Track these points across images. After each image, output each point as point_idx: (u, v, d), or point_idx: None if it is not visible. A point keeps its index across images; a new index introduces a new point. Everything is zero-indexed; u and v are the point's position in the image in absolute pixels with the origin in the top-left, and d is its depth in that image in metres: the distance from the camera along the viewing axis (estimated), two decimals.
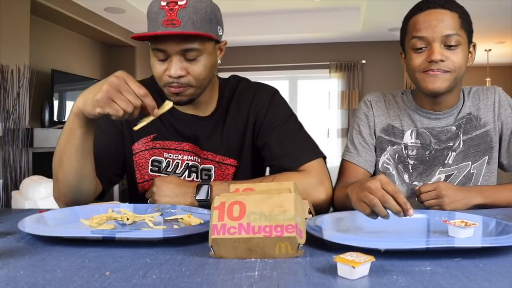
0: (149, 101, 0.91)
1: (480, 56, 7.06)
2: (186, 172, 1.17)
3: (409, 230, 0.82)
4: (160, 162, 1.18)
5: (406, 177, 1.25)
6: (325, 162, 1.16)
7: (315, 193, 1.07)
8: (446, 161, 1.23)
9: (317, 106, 7.16)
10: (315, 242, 0.71)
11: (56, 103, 4.68)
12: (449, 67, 1.11)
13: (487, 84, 6.64)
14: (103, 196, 1.18)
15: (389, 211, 0.77)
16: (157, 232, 0.74)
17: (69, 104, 4.93)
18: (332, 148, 6.69)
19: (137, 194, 1.21)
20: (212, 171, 1.17)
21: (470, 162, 1.22)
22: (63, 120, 4.73)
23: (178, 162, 1.17)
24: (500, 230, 0.75)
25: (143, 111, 0.93)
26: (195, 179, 1.17)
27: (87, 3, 4.76)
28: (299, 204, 0.68)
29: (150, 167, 1.18)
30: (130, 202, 1.01)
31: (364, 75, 6.90)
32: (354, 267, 0.55)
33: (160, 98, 1.19)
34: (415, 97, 1.27)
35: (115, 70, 0.93)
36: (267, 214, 0.65)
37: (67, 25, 4.97)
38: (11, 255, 0.67)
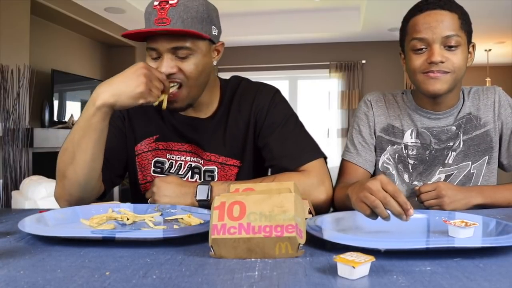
0: (167, 84, 1.01)
1: (480, 56, 7.06)
2: (189, 173, 1.17)
3: (409, 230, 0.82)
4: (163, 163, 1.18)
5: (406, 177, 1.25)
6: (326, 162, 1.16)
7: (316, 193, 1.07)
8: (446, 161, 1.23)
9: (317, 106, 7.16)
10: (315, 242, 0.71)
11: (56, 103, 4.68)
12: (449, 68, 1.11)
13: (487, 84, 6.64)
14: (104, 196, 1.18)
15: (389, 213, 0.77)
16: (157, 232, 0.74)
17: (69, 104, 4.93)
18: (332, 148, 6.68)
19: (139, 195, 1.21)
20: (215, 172, 1.16)
21: (470, 162, 1.22)
22: (63, 120, 4.73)
23: (181, 163, 1.17)
24: (500, 230, 0.75)
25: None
26: (198, 180, 1.17)
27: (87, 3, 4.76)
28: (299, 204, 0.68)
29: (152, 168, 1.18)
30: (132, 203, 1.01)
31: (364, 75, 6.90)
32: (354, 267, 0.55)
33: None
34: (415, 97, 1.27)
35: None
36: (267, 214, 0.65)
37: (67, 25, 4.97)
38: (11, 255, 0.67)
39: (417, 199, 1.12)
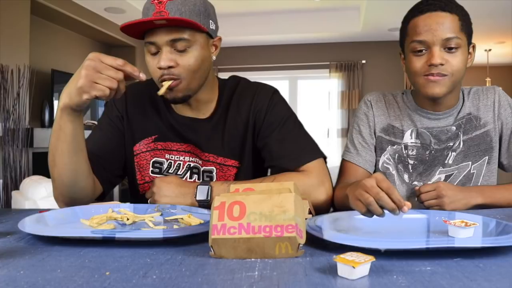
0: (130, 68, 0.91)
1: (480, 56, 7.07)
2: (188, 173, 1.17)
3: (409, 230, 0.82)
4: (161, 163, 1.18)
5: (406, 177, 1.25)
6: (326, 162, 1.16)
7: (316, 193, 1.07)
8: (446, 161, 1.23)
9: (317, 106, 7.16)
10: (315, 242, 0.71)
11: (56, 103, 4.67)
12: (448, 71, 1.11)
13: (487, 84, 6.64)
14: (104, 197, 1.18)
15: (385, 210, 0.77)
16: (157, 232, 0.74)
17: None
18: (332, 148, 6.69)
19: (137, 195, 1.21)
20: (214, 173, 1.16)
21: (470, 162, 1.22)
22: None
23: (179, 164, 1.17)
24: (500, 230, 0.75)
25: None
26: (196, 180, 1.17)
27: (87, 3, 4.76)
28: (299, 204, 0.68)
29: (151, 168, 1.18)
30: (131, 203, 1.01)
31: (364, 75, 6.90)
32: (354, 267, 0.55)
33: (161, 99, 1.20)
34: (415, 97, 1.27)
35: None
36: (267, 214, 0.65)
37: (67, 25, 4.97)
38: (11, 255, 0.67)
39: (417, 199, 1.12)
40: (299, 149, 1.13)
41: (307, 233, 0.70)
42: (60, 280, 0.56)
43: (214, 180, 1.16)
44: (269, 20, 6.01)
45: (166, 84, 1.03)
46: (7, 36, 3.76)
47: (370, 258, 0.57)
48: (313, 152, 1.14)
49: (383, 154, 1.28)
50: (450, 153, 1.23)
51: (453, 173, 1.23)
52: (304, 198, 0.89)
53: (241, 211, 0.65)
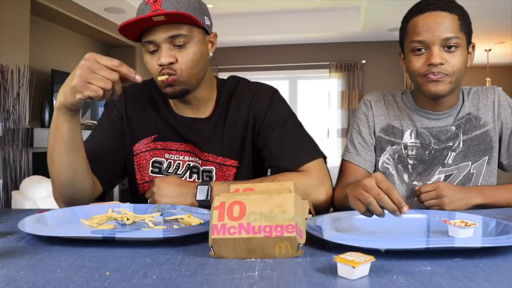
0: (125, 69, 0.91)
1: (480, 56, 7.07)
2: (188, 173, 1.17)
3: (409, 230, 0.82)
4: (161, 163, 1.18)
5: (405, 177, 1.25)
6: (325, 162, 1.16)
7: (316, 193, 1.07)
8: (445, 161, 1.23)
9: (317, 106, 7.16)
10: (315, 242, 0.71)
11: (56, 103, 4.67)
12: (448, 71, 1.11)
13: (487, 84, 6.63)
14: (104, 197, 1.18)
15: (384, 210, 0.77)
16: (157, 232, 0.74)
17: None
18: (332, 148, 6.69)
19: (137, 195, 1.21)
20: (213, 173, 1.16)
21: (470, 162, 1.22)
22: None
23: (179, 163, 1.17)
24: (500, 230, 0.75)
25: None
26: (196, 180, 1.17)
27: (87, 3, 4.77)
28: (299, 204, 0.68)
29: (150, 168, 1.18)
30: (131, 203, 1.01)
31: (364, 75, 6.90)
32: (354, 267, 0.55)
33: (161, 99, 1.20)
34: (415, 97, 1.27)
35: None
36: (267, 214, 0.65)
37: (67, 25, 4.97)
38: (11, 255, 0.67)
39: (417, 199, 1.12)
40: (299, 149, 1.13)
41: (307, 233, 0.70)
42: (60, 280, 0.56)
43: (214, 179, 1.16)
44: (269, 20, 6.01)
45: (162, 78, 1.04)
46: (7, 36, 3.76)
47: (370, 258, 0.57)
48: (313, 152, 1.14)
49: (382, 154, 1.28)
50: (449, 153, 1.23)
51: (452, 173, 1.23)
52: (304, 198, 0.89)
53: (241, 211, 0.65)
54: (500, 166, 1.27)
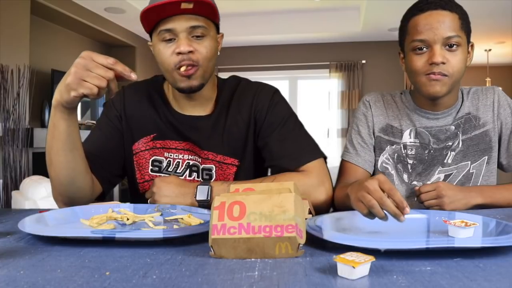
0: (121, 67, 0.90)
1: (480, 56, 7.07)
2: (187, 172, 1.17)
3: (409, 230, 0.82)
4: (160, 162, 1.18)
5: (405, 176, 1.25)
6: (326, 162, 1.16)
7: (316, 193, 1.07)
8: (445, 161, 1.23)
9: (317, 106, 7.16)
10: (315, 242, 0.71)
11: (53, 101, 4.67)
12: (448, 71, 1.11)
13: (487, 84, 6.64)
14: (103, 197, 1.18)
15: (387, 213, 0.77)
16: (157, 232, 0.74)
17: None
18: (332, 148, 6.69)
19: (137, 194, 1.21)
20: (213, 171, 1.17)
21: (469, 162, 1.22)
22: None
23: (178, 162, 1.17)
24: (500, 230, 0.75)
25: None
26: (196, 179, 1.17)
27: (87, 3, 4.76)
28: (299, 204, 0.68)
29: (150, 167, 1.18)
30: (131, 203, 1.01)
31: (364, 75, 6.90)
32: (354, 267, 0.55)
33: (160, 98, 1.20)
34: (414, 97, 1.27)
35: None
36: (267, 214, 0.65)
37: (67, 25, 4.97)
38: (11, 255, 0.67)
39: (417, 199, 1.12)
40: (299, 149, 1.13)
41: (307, 233, 0.70)
42: (60, 280, 0.56)
43: (214, 178, 1.16)
44: (269, 20, 6.01)
45: (183, 68, 1.04)
46: (7, 36, 3.76)
47: (370, 258, 0.57)
48: (314, 152, 1.14)
49: (382, 154, 1.28)
50: (449, 153, 1.23)
51: (452, 173, 1.23)
52: (304, 198, 0.89)
53: (241, 211, 0.65)
54: (500, 166, 1.27)
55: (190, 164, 1.17)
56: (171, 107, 1.19)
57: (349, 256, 0.57)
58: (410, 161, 1.25)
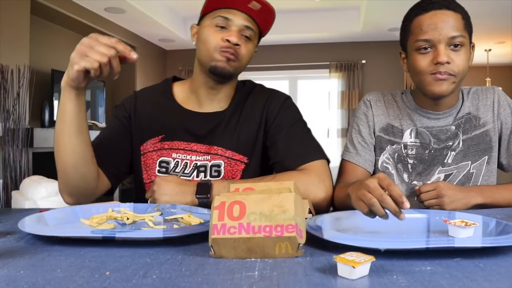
0: (122, 46, 0.94)
1: (480, 56, 7.07)
2: (195, 173, 1.18)
3: (409, 230, 0.82)
4: (168, 162, 1.19)
5: (405, 176, 1.25)
6: (328, 165, 1.17)
7: (315, 190, 1.07)
8: (445, 161, 1.23)
9: (317, 106, 7.15)
10: (315, 242, 0.71)
11: (56, 103, 4.67)
12: (454, 71, 1.11)
13: (487, 84, 6.64)
14: (112, 192, 1.21)
15: (387, 212, 0.77)
16: (157, 232, 0.74)
17: None
18: (332, 148, 6.68)
19: (143, 194, 1.22)
20: (222, 167, 1.18)
21: (469, 162, 1.22)
22: None
23: (186, 162, 1.18)
24: (500, 230, 0.75)
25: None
26: (203, 179, 1.18)
27: (87, 3, 4.76)
28: (299, 204, 0.68)
29: (157, 168, 1.20)
30: (136, 202, 1.02)
31: (364, 75, 6.89)
32: (354, 267, 0.55)
33: (165, 98, 1.23)
34: (415, 97, 1.27)
35: None
36: (267, 214, 0.65)
37: (67, 25, 4.97)
38: (11, 255, 0.67)
39: (417, 199, 1.12)
40: (303, 149, 1.15)
41: (307, 233, 0.70)
42: (60, 280, 0.56)
43: (222, 175, 1.18)
44: None
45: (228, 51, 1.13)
46: (7, 36, 3.76)
47: (370, 258, 0.57)
48: (317, 153, 1.16)
49: (382, 154, 1.28)
50: (449, 153, 1.23)
51: (452, 173, 1.23)
52: (304, 198, 0.89)
53: (241, 211, 0.65)
54: (500, 166, 1.27)
55: (198, 164, 1.18)
56: (182, 107, 1.23)
57: (349, 256, 0.57)
58: (411, 161, 1.25)
